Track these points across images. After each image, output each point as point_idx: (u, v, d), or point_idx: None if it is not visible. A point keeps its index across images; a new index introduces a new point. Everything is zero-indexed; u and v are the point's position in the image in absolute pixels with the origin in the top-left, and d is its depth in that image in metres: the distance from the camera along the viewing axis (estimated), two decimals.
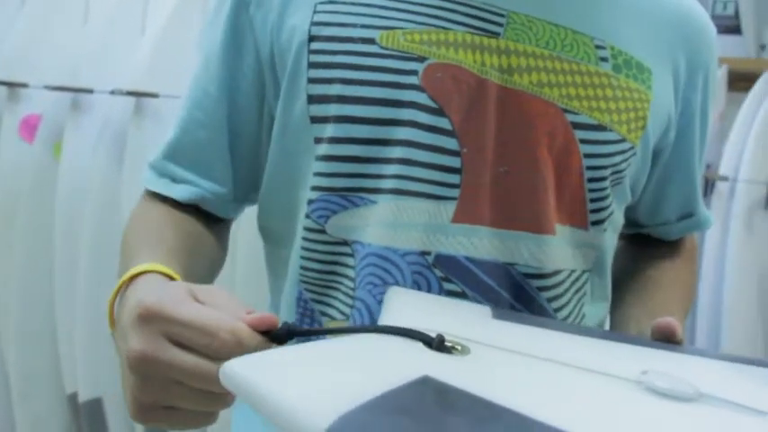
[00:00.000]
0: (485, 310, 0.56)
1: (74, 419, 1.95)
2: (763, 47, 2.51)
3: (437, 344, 0.42)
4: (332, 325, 0.67)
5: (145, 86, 1.81)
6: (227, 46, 0.70)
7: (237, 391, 0.35)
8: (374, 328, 0.44)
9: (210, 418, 0.48)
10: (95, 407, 1.88)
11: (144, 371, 0.45)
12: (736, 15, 2.45)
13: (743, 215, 2.21)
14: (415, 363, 0.39)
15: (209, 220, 0.74)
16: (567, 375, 0.42)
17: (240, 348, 0.43)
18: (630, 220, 0.79)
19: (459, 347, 0.43)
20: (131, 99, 1.81)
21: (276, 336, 0.45)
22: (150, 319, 0.45)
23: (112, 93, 1.81)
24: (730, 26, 2.46)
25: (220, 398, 0.46)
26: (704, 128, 0.77)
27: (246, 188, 0.75)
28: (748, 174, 2.21)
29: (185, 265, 0.61)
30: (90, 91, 1.82)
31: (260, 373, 0.35)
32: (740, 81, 2.34)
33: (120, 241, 0.68)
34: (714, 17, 2.76)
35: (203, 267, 0.69)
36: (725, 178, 2.21)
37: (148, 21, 1.93)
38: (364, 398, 0.33)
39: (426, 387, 0.36)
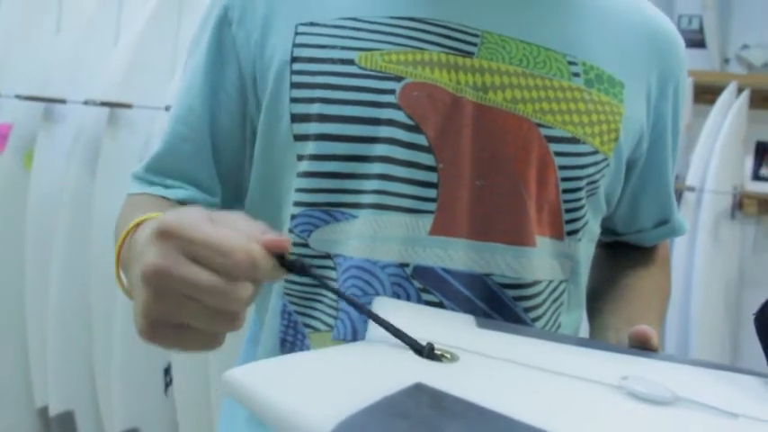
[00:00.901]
0: (469, 320, 0.58)
1: None
2: (727, 60, 2.58)
3: (427, 352, 0.43)
4: (315, 337, 0.68)
5: (118, 97, 1.80)
6: (211, 63, 0.72)
7: (240, 399, 0.36)
8: (374, 316, 0.45)
9: (217, 340, 0.47)
10: (67, 420, 1.86)
11: (158, 284, 0.45)
12: (701, 30, 2.52)
13: (710, 225, 2.25)
14: (408, 370, 0.40)
15: None
16: (551, 381, 0.44)
17: (254, 269, 0.43)
18: (607, 229, 0.81)
19: (448, 355, 0.44)
20: (105, 109, 1.80)
21: (288, 263, 0.46)
22: (168, 235, 0.45)
23: (86, 103, 1.80)
24: (695, 40, 2.52)
25: (231, 317, 0.45)
26: (676, 137, 0.79)
27: (234, 199, 0.76)
28: (714, 184, 2.27)
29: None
30: (63, 101, 1.81)
31: (261, 381, 0.36)
32: (705, 93, 2.40)
33: (114, 229, 0.67)
34: (680, 31, 2.81)
35: None
36: (692, 188, 2.26)
37: (122, 31, 1.93)
38: (363, 403, 0.34)
39: (421, 393, 0.37)
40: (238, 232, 0.45)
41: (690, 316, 2.22)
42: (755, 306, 0.61)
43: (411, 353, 0.44)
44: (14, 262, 1.84)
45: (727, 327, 2.35)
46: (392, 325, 0.45)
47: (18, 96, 1.77)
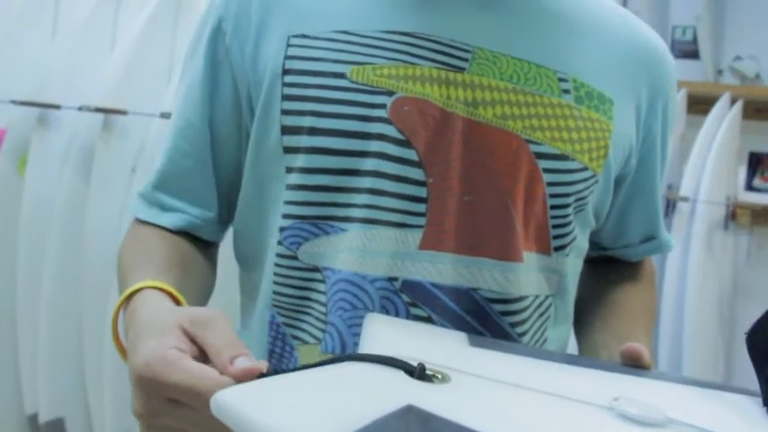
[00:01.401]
0: (461, 337, 0.58)
1: None
2: (720, 71, 2.59)
3: (419, 372, 0.43)
4: (303, 349, 0.68)
5: (113, 103, 1.80)
6: (206, 75, 0.72)
7: (229, 422, 0.36)
8: (359, 357, 0.45)
9: None
10: (57, 428, 1.85)
11: (151, 424, 0.49)
12: (695, 41, 2.53)
13: (703, 235, 2.26)
14: (399, 391, 0.40)
15: (199, 244, 0.75)
16: (544, 402, 0.43)
17: None
18: (594, 244, 0.81)
19: (439, 376, 0.44)
20: (99, 115, 1.79)
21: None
22: (144, 385, 0.48)
23: (80, 109, 1.79)
24: (689, 51, 2.54)
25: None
26: (664, 153, 0.80)
27: (232, 210, 0.76)
28: (708, 195, 2.27)
29: (179, 279, 0.63)
30: (57, 106, 1.80)
31: (251, 404, 0.36)
32: (699, 104, 2.41)
33: (116, 265, 0.70)
34: (673, 42, 2.83)
35: (196, 283, 0.71)
36: (685, 199, 2.26)
37: (118, 37, 1.92)
38: (354, 426, 0.34)
39: (412, 415, 0.37)
40: (213, 352, 0.47)
41: (683, 326, 2.22)
42: (749, 317, 0.61)
43: (402, 373, 0.44)
44: (7, 268, 1.83)
45: (720, 337, 2.35)
46: (381, 356, 0.45)
47: (13, 101, 1.77)
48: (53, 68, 1.82)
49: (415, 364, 0.44)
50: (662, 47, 0.77)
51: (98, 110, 1.78)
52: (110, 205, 1.79)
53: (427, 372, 0.44)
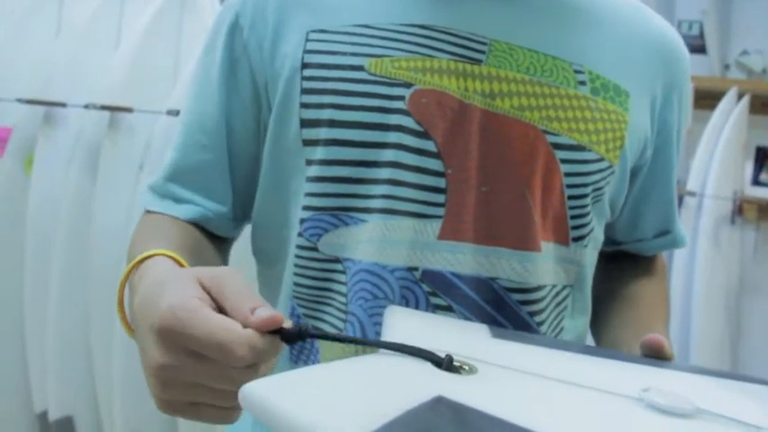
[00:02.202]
0: (482, 329, 0.57)
1: None
2: (727, 66, 2.58)
3: (446, 364, 0.43)
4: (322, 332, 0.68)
5: (119, 101, 1.79)
6: (224, 69, 0.72)
7: (257, 414, 0.35)
8: (387, 344, 0.44)
9: (235, 413, 0.50)
10: (66, 426, 1.85)
11: (165, 378, 0.47)
12: (701, 35, 2.52)
13: (710, 229, 2.25)
14: (428, 383, 0.40)
15: (212, 239, 0.75)
16: (572, 394, 0.43)
17: (256, 357, 0.45)
18: (608, 238, 0.81)
19: (467, 367, 0.43)
20: (105, 113, 1.79)
21: (286, 335, 0.46)
22: (167, 334, 0.46)
23: (86, 107, 1.79)
24: (695, 46, 2.53)
25: None
26: (678, 147, 0.80)
27: (246, 207, 0.76)
28: (714, 189, 2.27)
29: (191, 263, 0.62)
30: (63, 105, 1.80)
31: (280, 396, 0.35)
32: (705, 99, 2.40)
33: (126, 252, 0.69)
34: None
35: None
36: (692, 193, 2.26)
37: (123, 34, 1.92)
38: (385, 418, 0.34)
39: (443, 407, 0.37)
40: (232, 307, 0.47)
41: (690, 321, 2.22)
42: (755, 312, 0.61)
43: (429, 365, 0.43)
44: (14, 267, 1.83)
45: (727, 332, 2.34)
46: (408, 345, 0.44)
47: (18, 100, 1.77)
48: (58, 66, 1.81)
49: (441, 355, 0.44)
50: (677, 39, 0.77)
51: (104, 108, 1.78)
52: (117, 203, 1.79)
53: (454, 363, 0.44)
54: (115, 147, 1.81)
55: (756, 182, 2.56)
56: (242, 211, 0.76)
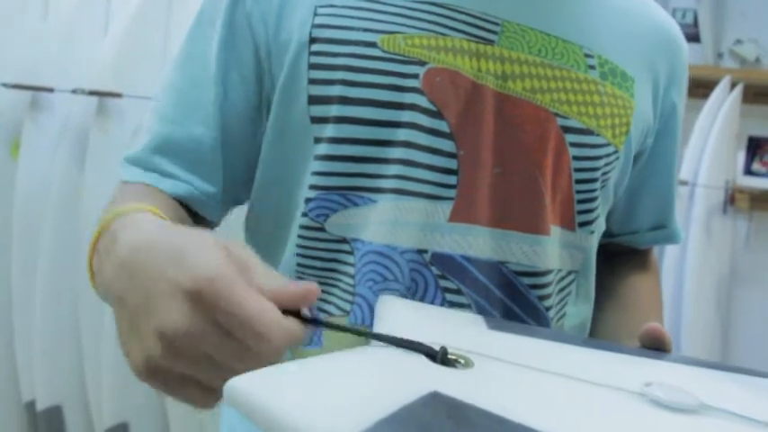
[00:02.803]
0: (478, 320, 0.56)
1: (32, 428, 1.89)
2: (720, 55, 2.57)
3: (441, 357, 0.41)
4: (330, 321, 0.66)
5: (108, 86, 1.76)
6: (224, 41, 0.69)
7: (244, 411, 0.34)
8: (379, 336, 0.43)
9: (216, 399, 0.44)
10: (54, 415, 1.83)
11: (177, 345, 0.42)
12: (695, 24, 2.51)
13: (702, 219, 2.26)
14: (422, 377, 0.38)
15: (195, 221, 0.70)
16: (571, 388, 0.42)
17: (289, 344, 0.42)
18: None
19: (462, 360, 0.42)
20: (94, 99, 1.76)
21: (307, 319, 0.44)
22: (201, 299, 0.41)
23: (74, 92, 1.76)
24: (689, 34, 2.51)
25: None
26: (678, 140, 0.80)
27: (236, 189, 0.72)
28: (707, 179, 2.27)
29: None
30: (50, 90, 1.77)
31: (267, 392, 0.33)
32: (699, 88, 2.39)
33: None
34: None
35: None
36: (684, 183, 2.25)
37: (112, 18, 1.89)
38: (379, 414, 0.32)
39: (437, 403, 0.35)
40: (264, 287, 0.43)
41: (681, 310, 2.22)
42: (746, 301, 0.60)
43: (423, 358, 0.42)
44: (1, 253, 1.80)
45: (718, 321, 2.35)
46: (401, 338, 0.43)
47: (4, 84, 1.74)
48: (45, 51, 1.78)
49: (436, 347, 0.42)
50: (678, 32, 0.78)
51: (92, 93, 1.75)
52: (106, 189, 1.73)
53: (449, 356, 0.42)
54: (104, 133, 1.79)
55: (749, 171, 2.56)
56: (232, 195, 0.72)
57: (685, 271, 2.23)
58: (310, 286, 0.44)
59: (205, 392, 0.44)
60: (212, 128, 0.69)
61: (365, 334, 0.44)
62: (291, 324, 0.42)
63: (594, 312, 0.79)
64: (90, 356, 1.79)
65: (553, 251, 0.68)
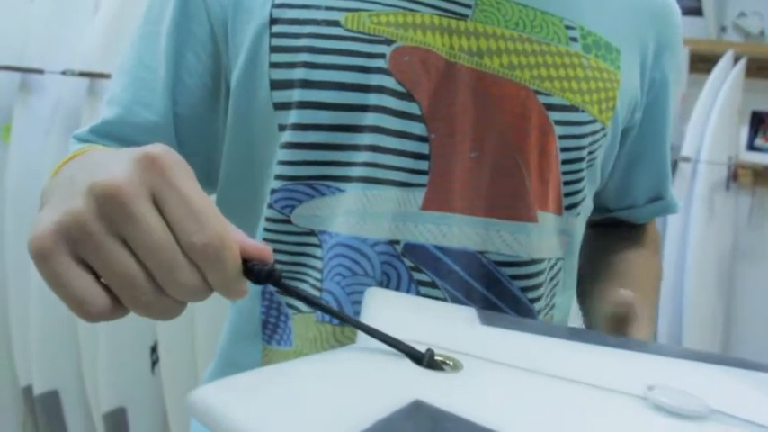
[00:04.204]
0: (471, 314, 0.53)
1: (29, 413, 1.89)
2: (723, 29, 2.52)
3: (428, 360, 0.39)
4: (298, 318, 0.63)
5: (98, 67, 1.73)
6: (178, 22, 0.65)
7: (209, 426, 0.31)
8: (361, 325, 0.40)
9: (113, 311, 0.38)
10: (51, 400, 1.82)
11: (107, 205, 0.36)
12: None
13: (705, 195, 2.22)
14: (405, 383, 0.36)
15: None
16: (569, 393, 0.39)
17: (219, 261, 0.36)
18: (598, 205, 0.77)
19: (451, 362, 0.40)
20: (84, 80, 1.73)
21: (254, 271, 0.38)
22: (152, 165, 0.36)
23: (64, 73, 1.73)
24: (692, 8, 2.46)
25: (145, 302, 0.36)
26: (670, 110, 0.76)
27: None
28: (709, 155, 2.23)
29: None
30: (40, 71, 1.74)
31: (234, 405, 0.31)
32: (701, 62, 2.35)
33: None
34: None
35: None
36: (687, 159, 2.22)
37: None
38: (355, 429, 0.30)
39: (420, 413, 0.33)
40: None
41: (683, 287, 2.20)
42: (749, 278, 0.57)
43: (408, 360, 0.39)
44: None
45: (720, 298, 2.33)
46: (385, 334, 0.40)
47: None
48: (34, 32, 1.75)
49: (422, 349, 0.40)
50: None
51: (82, 74, 1.72)
52: None
53: (436, 358, 0.40)
54: (95, 114, 1.75)
55: (752, 147, 2.52)
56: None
57: (688, 247, 2.20)
58: (269, 249, 0.40)
59: (97, 291, 0.37)
60: (161, 114, 0.66)
61: (335, 314, 0.40)
62: (231, 236, 0.37)
63: (588, 285, 0.76)
64: (87, 341, 1.78)
65: (541, 239, 0.64)
